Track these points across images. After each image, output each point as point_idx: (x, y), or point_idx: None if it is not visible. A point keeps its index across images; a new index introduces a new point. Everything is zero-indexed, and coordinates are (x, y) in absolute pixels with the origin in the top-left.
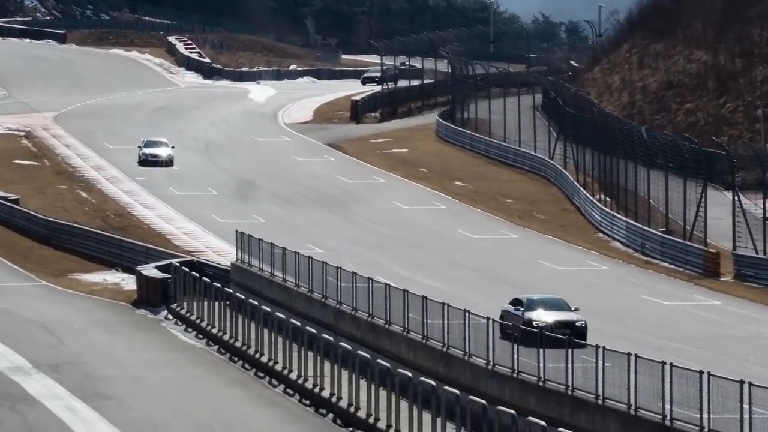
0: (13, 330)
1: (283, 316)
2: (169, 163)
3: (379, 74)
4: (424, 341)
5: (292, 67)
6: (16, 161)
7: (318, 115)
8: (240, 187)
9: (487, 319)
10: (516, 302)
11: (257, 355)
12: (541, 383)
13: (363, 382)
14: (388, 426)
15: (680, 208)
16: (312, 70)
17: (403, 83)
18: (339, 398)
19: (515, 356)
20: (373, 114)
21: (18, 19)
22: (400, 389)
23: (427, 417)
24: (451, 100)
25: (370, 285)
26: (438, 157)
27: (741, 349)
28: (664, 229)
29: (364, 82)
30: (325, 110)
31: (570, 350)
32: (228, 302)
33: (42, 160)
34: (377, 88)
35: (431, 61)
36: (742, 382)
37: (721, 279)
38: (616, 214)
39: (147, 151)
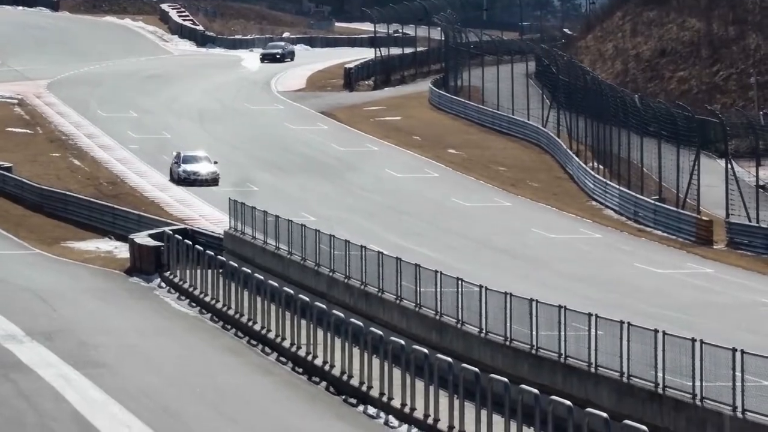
0: (6, 298)
1: (276, 284)
2: (213, 182)
3: (280, 51)
4: (417, 309)
5: (285, 34)
6: (9, 129)
7: (311, 82)
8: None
9: (480, 287)
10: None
11: (250, 323)
12: (533, 351)
13: (356, 350)
14: (381, 394)
15: (673, 175)
16: (305, 38)
17: (396, 51)
18: (332, 366)
19: (508, 324)
20: (366, 82)
21: None
22: (392, 357)
23: (419, 385)
24: (445, 68)
25: (363, 253)
26: (431, 124)
27: (733, 316)
28: (656, 196)
29: (263, 59)
30: (318, 78)
31: (562, 316)
32: (221, 270)
33: (35, 127)
34: (279, 64)
35: (424, 29)
36: (734, 350)
37: (714, 247)
38: (609, 181)
39: (186, 168)
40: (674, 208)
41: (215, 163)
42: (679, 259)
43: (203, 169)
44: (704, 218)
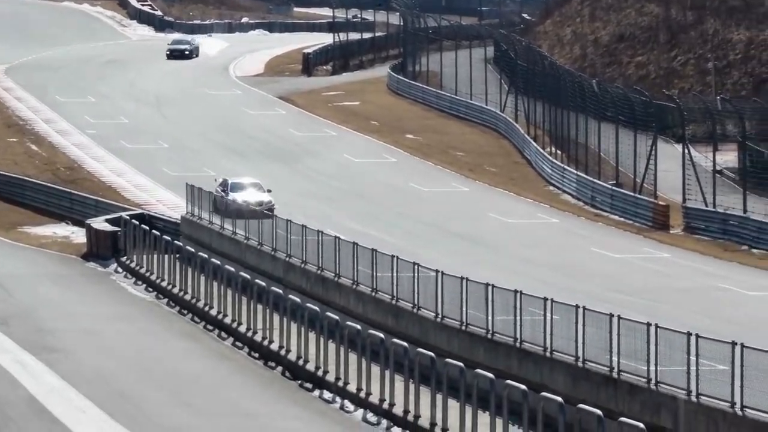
0: None
1: (233, 269)
2: (267, 212)
3: (188, 46)
4: (373, 294)
5: (244, 19)
6: None
7: (269, 67)
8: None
9: (437, 271)
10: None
11: (207, 308)
12: (489, 336)
13: (312, 335)
14: (337, 379)
15: (630, 160)
16: (264, 23)
17: (355, 36)
18: (288, 351)
19: (464, 309)
20: (324, 67)
21: None
22: (348, 342)
23: (375, 369)
24: (403, 53)
25: (320, 238)
26: (389, 110)
27: (689, 301)
28: (614, 181)
29: (170, 56)
30: (277, 63)
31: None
32: (178, 255)
33: None
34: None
35: (383, 14)
36: (689, 334)
37: (671, 231)
38: (566, 166)
39: (236, 197)
40: (631, 193)
41: (269, 191)
42: (635, 243)
43: (252, 197)
44: (661, 203)
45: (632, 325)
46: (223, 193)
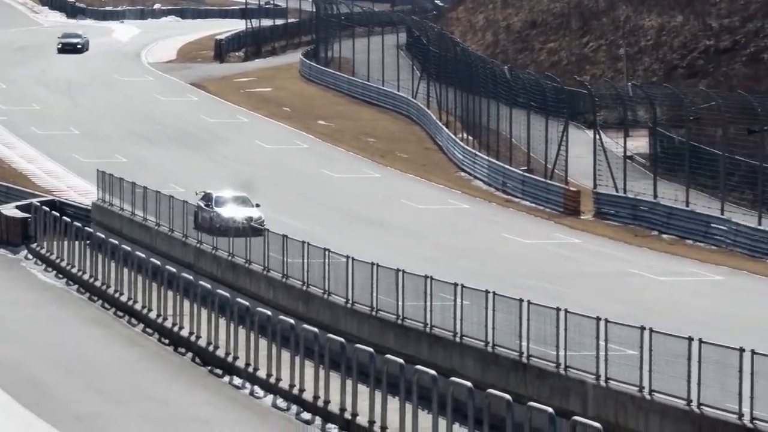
0: None
1: (144, 255)
2: (257, 227)
3: (79, 40)
4: (284, 280)
5: (156, 6)
6: None
7: (181, 54)
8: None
9: (347, 257)
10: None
11: (117, 295)
12: (399, 321)
13: (222, 321)
14: (247, 364)
15: (542, 146)
16: (176, 9)
17: (267, 22)
18: (198, 337)
19: (374, 294)
20: (237, 53)
21: None
22: (259, 328)
23: (285, 355)
24: (315, 40)
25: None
26: (301, 96)
27: (599, 286)
28: (525, 167)
29: (61, 50)
30: (189, 49)
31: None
32: (88, 241)
33: None
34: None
35: (296, 1)
36: (598, 319)
37: (582, 217)
38: (478, 152)
39: (222, 213)
40: (542, 179)
41: (257, 206)
42: (546, 229)
43: (239, 212)
44: (572, 189)
45: (542, 311)
46: (206, 207)
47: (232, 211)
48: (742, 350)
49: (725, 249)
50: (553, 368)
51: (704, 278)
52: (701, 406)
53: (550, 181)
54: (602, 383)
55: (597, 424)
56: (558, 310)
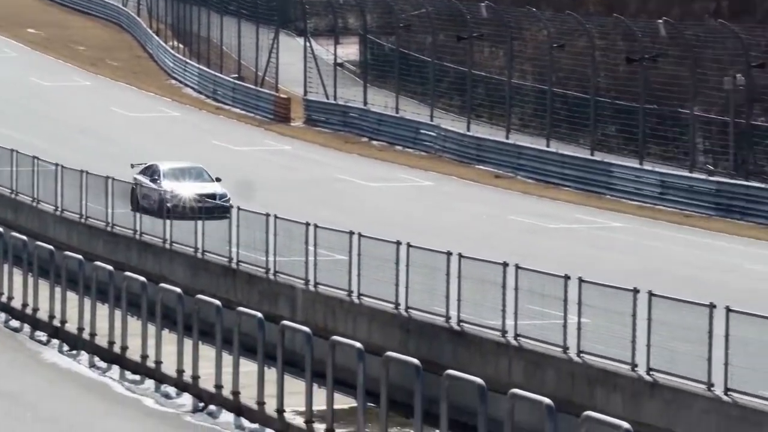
0: None
1: None
2: (223, 211)
3: None
4: None
5: None
6: None
7: None
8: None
9: (56, 165)
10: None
11: None
12: (109, 228)
13: None
14: None
15: (253, 54)
16: None
17: None
18: None
19: (83, 202)
20: None
21: None
22: None
23: None
24: None
25: None
26: (8, 4)
27: (310, 192)
28: (236, 75)
29: None
30: None
31: None
32: None
33: None
34: None
35: None
36: (307, 225)
37: (292, 124)
38: (188, 60)
39: (174, 189)
40: (253, 86)
41: (218, 180)
42: (257, 136)
43: (198, 189)
44: (282, 96)
45: (251, 216)
46: (150, 183)
47: (187, 188)
48: (449, 254)
49: (434, 155)
50: (262, 274)
51: (413, 184)
52: (409, 309)
53: (260, 89)
54: (311, 288)
55: (306, 329)
56: (267, 215)
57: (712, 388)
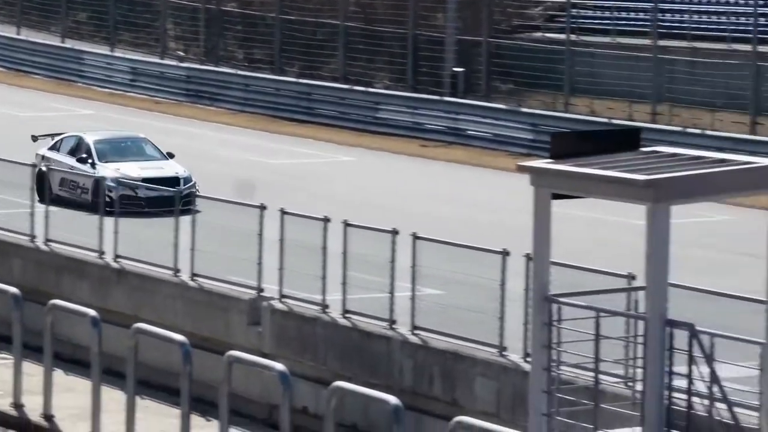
0: None
1: None
2: (187, 197)
3: None
4: None
5: None
6: None
7: None
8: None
9: None
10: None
11: None
12: None
13: None
14: None
15: None
16: None
17: None
18: None
19: None
20: None
21: None
22: None
23: None
24: None
25: None
26: None
27: None
28: None
29: None
30: None
31: None
32: None
33: None
34: None
35: None
36: None
37: None
38: None
39: (120, 170)
40: None
41: (171, 155)
42: None
43: (153, 170)
44: None
45: None
46: (77, 164)
47: (137, 169)
48: None
49: None
50: None
51: None
52: None
53: None
54: None
55: None
56: None
57: (178, 274)
